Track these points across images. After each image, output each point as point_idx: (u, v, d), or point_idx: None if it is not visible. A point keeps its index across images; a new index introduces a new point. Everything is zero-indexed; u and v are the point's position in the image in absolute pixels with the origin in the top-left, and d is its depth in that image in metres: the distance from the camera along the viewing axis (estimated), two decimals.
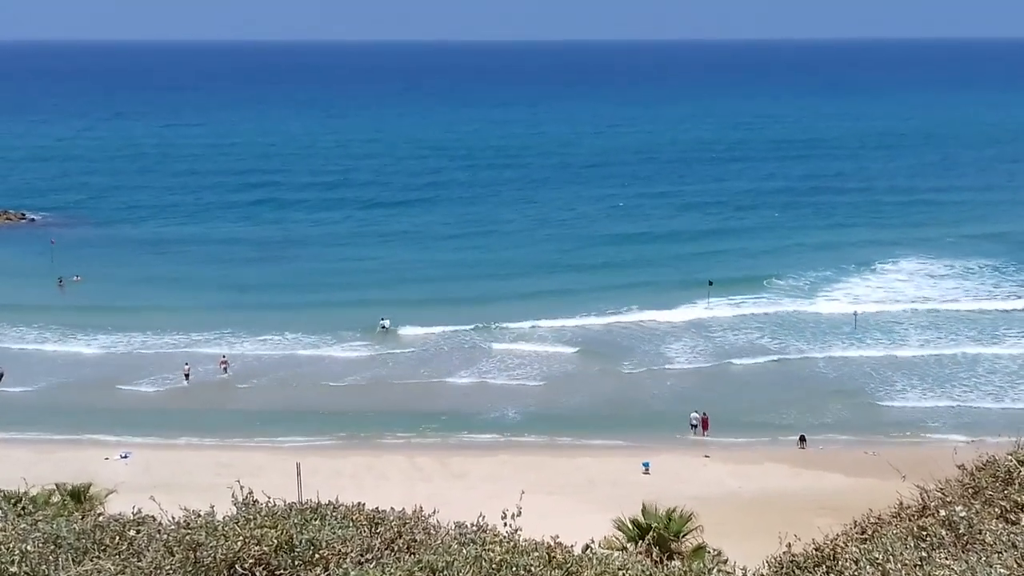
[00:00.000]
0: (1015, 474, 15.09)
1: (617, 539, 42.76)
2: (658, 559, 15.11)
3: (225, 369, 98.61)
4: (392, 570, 13.07)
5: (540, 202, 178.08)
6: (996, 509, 14.39)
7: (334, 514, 14.97)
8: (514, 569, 12.97)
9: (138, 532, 15.03)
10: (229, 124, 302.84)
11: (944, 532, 13.86)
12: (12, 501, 20.32)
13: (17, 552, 13.83)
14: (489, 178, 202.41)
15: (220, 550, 13.75)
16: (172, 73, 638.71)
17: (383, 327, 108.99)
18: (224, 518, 14.51)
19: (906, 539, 13.81)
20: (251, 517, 14.44)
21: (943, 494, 15.40)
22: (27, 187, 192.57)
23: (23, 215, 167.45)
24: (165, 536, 14.41)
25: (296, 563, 13.79)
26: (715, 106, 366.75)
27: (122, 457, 77.94)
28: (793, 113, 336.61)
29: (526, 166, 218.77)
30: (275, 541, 13.87)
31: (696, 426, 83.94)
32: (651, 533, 43.16)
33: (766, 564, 14.85)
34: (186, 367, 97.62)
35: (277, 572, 13.72)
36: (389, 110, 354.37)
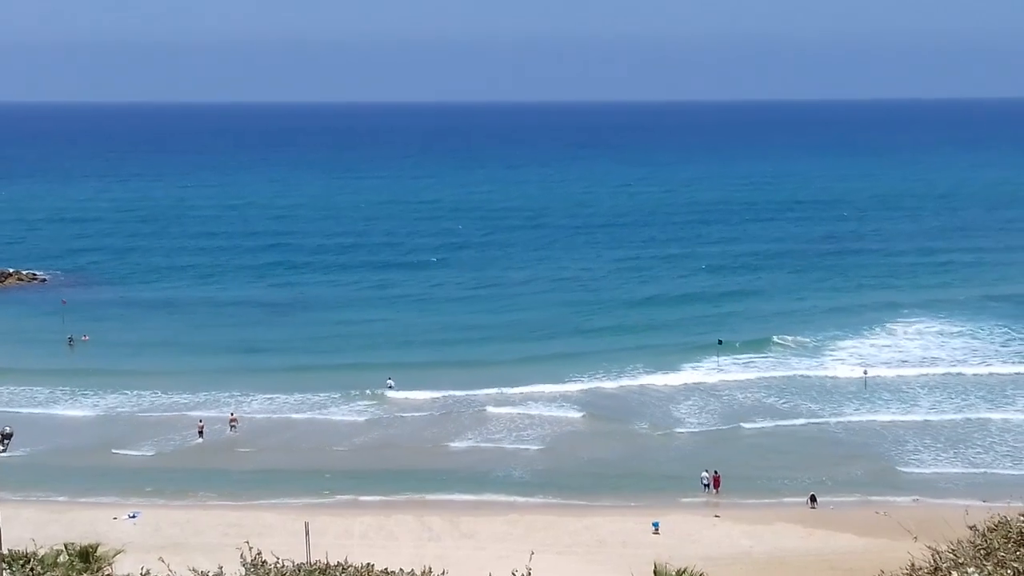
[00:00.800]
0: None
1: None
2: None
3: (234, 427, 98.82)
4: None
5: (552, 263, 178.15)
6: (1009, 571, 14.33)
7: (343, 575, 14.94)
8: None
9: None
10: (244, 185, 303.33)
11: None
12: (21, 561, 20.31)
13: None
14: (503, 239, 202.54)
15: None
16: (187, 134, 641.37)
17: (389, 387, 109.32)
18: None
19: None
20: None
21: (955, 555, 15.32)
22: (41, 247, 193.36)
23: (34, 275, 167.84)
24: None
25: None
26: (727, 166, 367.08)
27: (130, 517, 77.74)
28: (805, 173, 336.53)
29: (540, 227, 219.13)
30: None
31: (707, 485, 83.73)
32: None
33: None
34: (200, 423, 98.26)
35: None
36: (404, 171, 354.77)
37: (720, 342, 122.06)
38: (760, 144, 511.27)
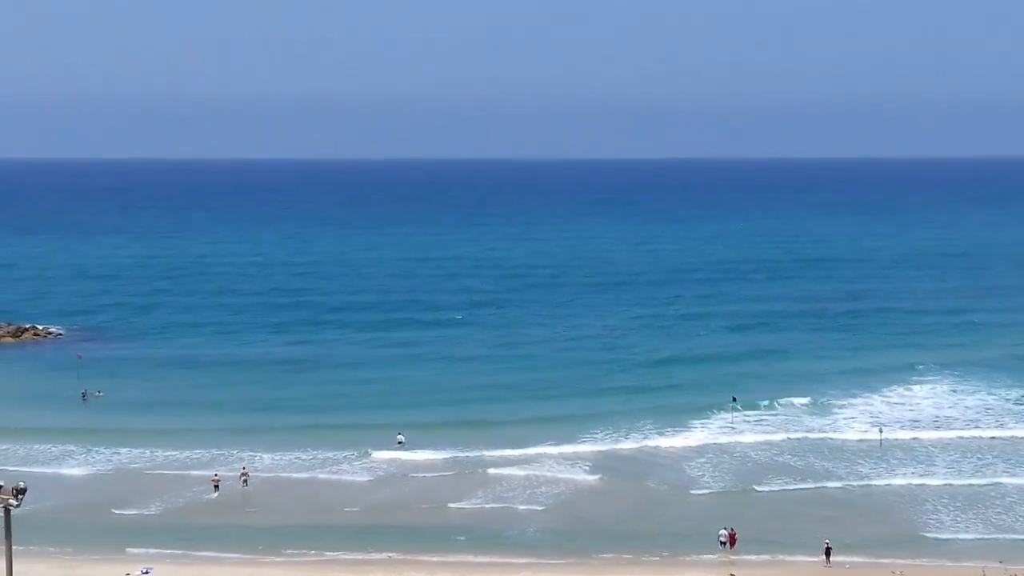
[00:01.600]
0: None
1: None
2: None
3: (245, 482, 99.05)
4: None
5: (572, 320, 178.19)
6: None
7: None
8: None
9: None
10: (263, 242, 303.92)
11: None
12: None
13: None
14: (524, 297, 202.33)
15: None
16: (203, 190, 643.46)
17: (400, 444, 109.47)
18: None
19: None
20: None
21: None
22: (59, 303, 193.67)
23: (49, 331, 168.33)
24: None
25: None
26: (746, 224, 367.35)
27: (143, 573, 77.71)
28: (822, 231, 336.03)
29: (560, 284, 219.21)
30: None
31: (724, 543, 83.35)
32: None
33: None
34: (215, 477, 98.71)
35: None
36: (422, 228, 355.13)
37: (735, 399, 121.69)
38: (778, 202, 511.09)
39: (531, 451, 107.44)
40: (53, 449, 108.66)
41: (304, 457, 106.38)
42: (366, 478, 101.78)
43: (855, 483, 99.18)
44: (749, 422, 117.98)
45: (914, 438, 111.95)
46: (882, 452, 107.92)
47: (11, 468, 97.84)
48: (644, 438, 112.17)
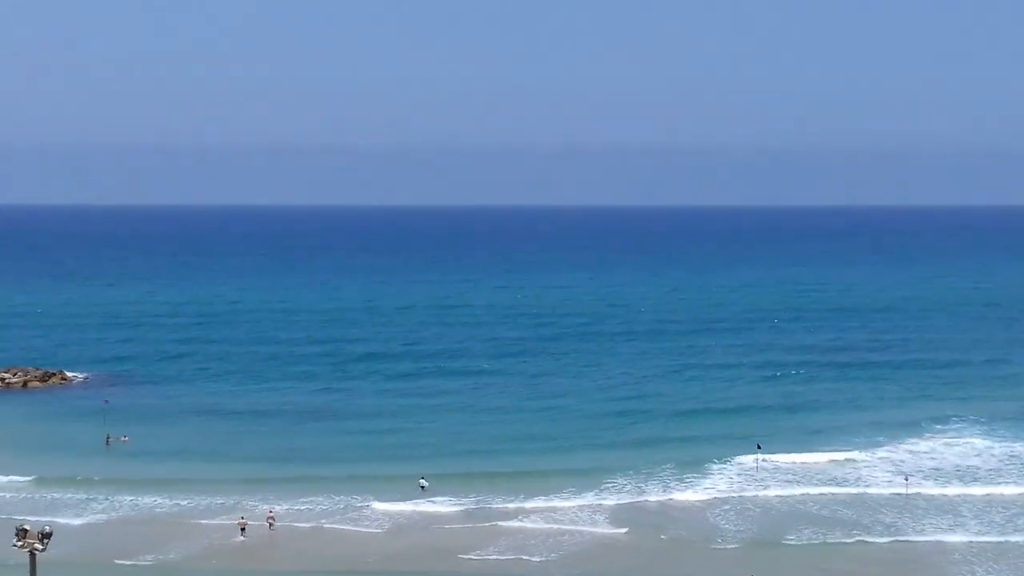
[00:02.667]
0: None
1: None
2: None
3: (271, 525, 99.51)
4: None
5: (599, 369, 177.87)
6: None
7: None
8: None
9: None
10: (291, 289, 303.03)
11: None
12: None
13: None
14: (552, 347, 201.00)
15: None
16: (230, 237, 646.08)
17: (422, 488, 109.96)
18: None
19: None
20: None
21: None
22: (88, 349, 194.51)
23: (76, 376, 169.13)
24: None
25: None
26: (770, 271, 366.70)
27: None
28: (847, 279, 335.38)
29: (588, 332, 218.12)
30: None
31: None
32: None
33: None
34: (242, 520, 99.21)
35: None
36: (450, 275, 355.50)
37: (759, 447, 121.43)
38: (807, 250, 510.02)
39: (552, 503, 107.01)
40: (76, 494, 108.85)
41: (326, 504, 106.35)
42: (387, 526, 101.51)
43: (883, 539, 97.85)
44: (774, 472, 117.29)
45: (943, 493, 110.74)
46: (908, 504, 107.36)
47: (33, 515, 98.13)
48: (667, 489, 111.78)
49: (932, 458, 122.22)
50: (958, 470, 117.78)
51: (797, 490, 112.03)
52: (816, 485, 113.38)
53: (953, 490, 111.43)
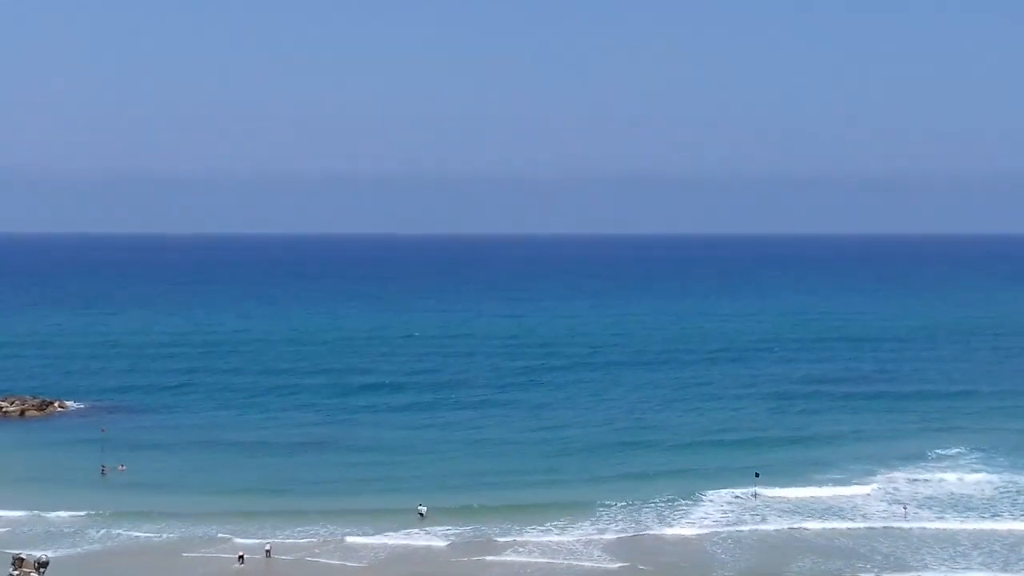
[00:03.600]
0: None
1: None
2: None
3: (268, 555, 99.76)
4: None
5: (603, 399, 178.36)
6: None
7: None
8: None
9: None
10: (294, 318, 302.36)
11: None
12: None
13: None
14: (556, 378, 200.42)
15: None
16: (231, 266, 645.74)
17: (421, 515, 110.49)
18: None
19: None
20: None
21: None
22: (88, 378, 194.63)
23: (74, 405, 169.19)
24: None
25: None
26: (780, 301, 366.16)
27: None
28: (856, 309, 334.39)
29: (593, 364, 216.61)
30: None
31: None
32: None
33: None
34: (241, 552, 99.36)
35: None
36: (454, 304, 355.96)
37: (757, 475, 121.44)
38: (813, 278, 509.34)
39: (548, 536, 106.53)
40: (71, 525, 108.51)
41: (322, 535, 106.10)
42: (382, 557, 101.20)
43: (883, 573, 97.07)
44: (772, 502, 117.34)
45: (941, 528, 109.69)
46: (906, 535, 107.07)
47: (26, 546, 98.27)
48: (664, 521, 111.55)
49: (932, 488, 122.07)
50: (955, 501, 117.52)
51: (795, 522, 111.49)
52: (814, 516, 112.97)
53: (952, 523, 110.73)
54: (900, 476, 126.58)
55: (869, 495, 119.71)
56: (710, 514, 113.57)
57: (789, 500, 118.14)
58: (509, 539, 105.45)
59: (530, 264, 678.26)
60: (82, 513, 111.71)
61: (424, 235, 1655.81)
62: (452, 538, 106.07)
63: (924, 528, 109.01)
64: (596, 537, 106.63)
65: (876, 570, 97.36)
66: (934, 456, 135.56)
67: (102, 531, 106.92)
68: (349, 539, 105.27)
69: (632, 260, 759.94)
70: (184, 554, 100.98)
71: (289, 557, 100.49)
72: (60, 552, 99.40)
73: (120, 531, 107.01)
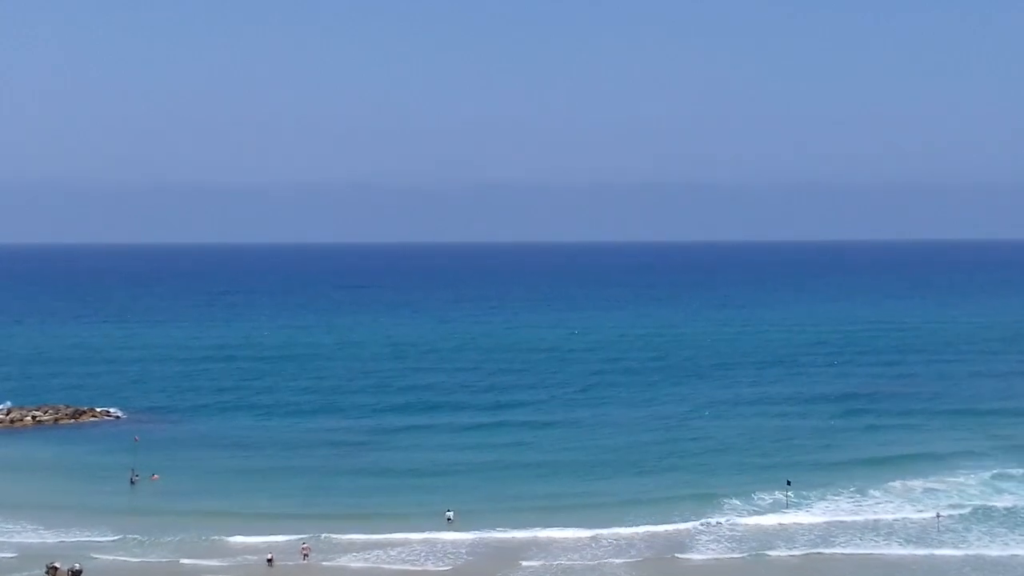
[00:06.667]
0: None
1: None
2: None
3: (306, 556, 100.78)
4: None
5: (634, 406, 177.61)
6: None
7: None
8: None
9: None
10: (342, 328, 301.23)
11: None
12: None
13: None
14: (600, 382, 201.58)
15: None
16: (269, 274, 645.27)
17: (448, 520, 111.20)
18: None
19: None
20: None
21: None
22: (126, 388, 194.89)
23: (108, 412, 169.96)
24: None
25: None
26: (812, 308, 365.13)
27: None
28: (886, 315, 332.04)
29: (621, 371, 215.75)
30: None
31: None
32: None
33: None
34: (270, 555, 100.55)
35: None
36: (487, 311, 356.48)
37: (789, 483, 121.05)
38: (844, 285, 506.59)
39: (577, 545, 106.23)
40: (103, 533, 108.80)
41: (356, 539, 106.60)
42: (409, 560, 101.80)
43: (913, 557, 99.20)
44: (804, 502, 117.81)
45: (972, 518, 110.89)
46: (939, 535, 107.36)
47: (53, 554, 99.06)
48: (694, 521, 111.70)
49: (961, 493, 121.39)
50: (988, 505, 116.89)
51: (827, 518, 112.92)
52: (845, 511, 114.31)
53: (982, 528, 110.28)
54: (932, 481, 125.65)
55: (902, 500, 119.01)
56: (737, 517, 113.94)
57: (819, 506, 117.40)
58: (534, 545, 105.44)
59: (562, 273, 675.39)
60: (111, 522, 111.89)
61: (456, 243, 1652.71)
62: (483, 535, 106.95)
63: (957, 533, 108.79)
64: (623, 537, 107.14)
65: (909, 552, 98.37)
66: (969, 467, 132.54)
67: (131, 539, 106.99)
68: (374, 538, 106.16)
69: (664, 268, 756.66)
70: (215, 558, 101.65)
71: (321, 558, 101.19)
72: (90, 561, 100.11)
73: (149, 538, 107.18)
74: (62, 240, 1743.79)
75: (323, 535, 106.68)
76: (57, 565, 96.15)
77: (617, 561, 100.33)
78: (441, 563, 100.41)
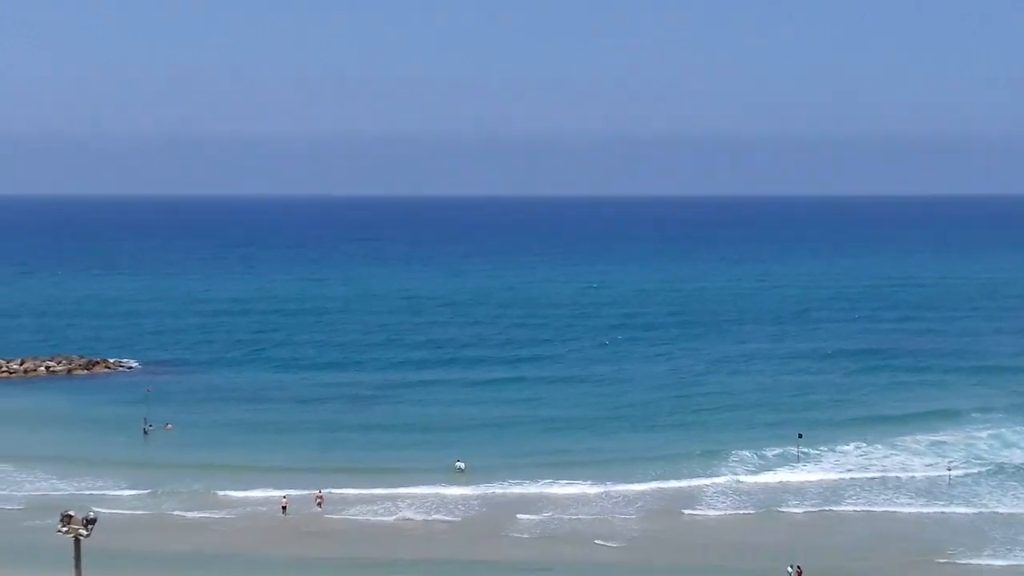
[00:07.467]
0: None
1: None
2: None
3: (320, 504, 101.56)
4: None
5: (648, 361, 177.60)
6: None
7: None
8: None
9: None
10: (362, 281, 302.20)
11: None
12: None
13: None
14: (616, 336, 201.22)
15: None
16: (284, 227, 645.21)
17: (460, 470, 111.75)
18: None
19: None
20: None
21: None
22: (141, 339, 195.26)
23: (121, 363, 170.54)
24: None
25: None
26: (829, 263, 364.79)
27: None
28: (904, 270, 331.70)
29: (650, 326, 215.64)
30: None
31: None
32: None
33: None
34: (284, 500, 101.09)
35: None
36: (504, 266, 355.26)
37: (800, 436, 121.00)
38: (863, 239, 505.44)
39: (591, 489, 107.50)
40: (116, 483, 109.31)
41: (367, 492, 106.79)
42: (419, 510, 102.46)
43: (920, 513, 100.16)
44: (815, 453, 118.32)
45: (982, 475, 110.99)
46: (951, 489, 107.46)
47: (66, 504, 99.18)
48: (705, 476, 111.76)
49: (974, 447, 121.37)
50: (1001, 459, 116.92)
51: (838, 472, 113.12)
52: (858, 468, 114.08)
53: (993, 483, 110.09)
54: (945, 435, 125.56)
55: (911, 453, 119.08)
56: (749, 470, 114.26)
57: (829, 458, 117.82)
58: (543, 499, 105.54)
59: (578, 227, 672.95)
60: (124, 472, 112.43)
61: (469, 196, 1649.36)
62: (487, 497, 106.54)
63: (965, 486, 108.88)
64: (633, 492, 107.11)
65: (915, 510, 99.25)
66: (981, 422, 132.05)
67: (144, 489, 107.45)
68: (385, 491, 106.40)
69: (678, 222, 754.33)
70: (226, 509, 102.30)
71: (332, 509, 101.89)
72: (103, 510, 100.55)
73: (162, 489, 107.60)
74: (73, 192, 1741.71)
75: (334, 488, 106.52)
76: (72, 513, 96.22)
77: (625, 516, 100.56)
78: (450, 515, 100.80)
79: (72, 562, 59.82)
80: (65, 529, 59.83)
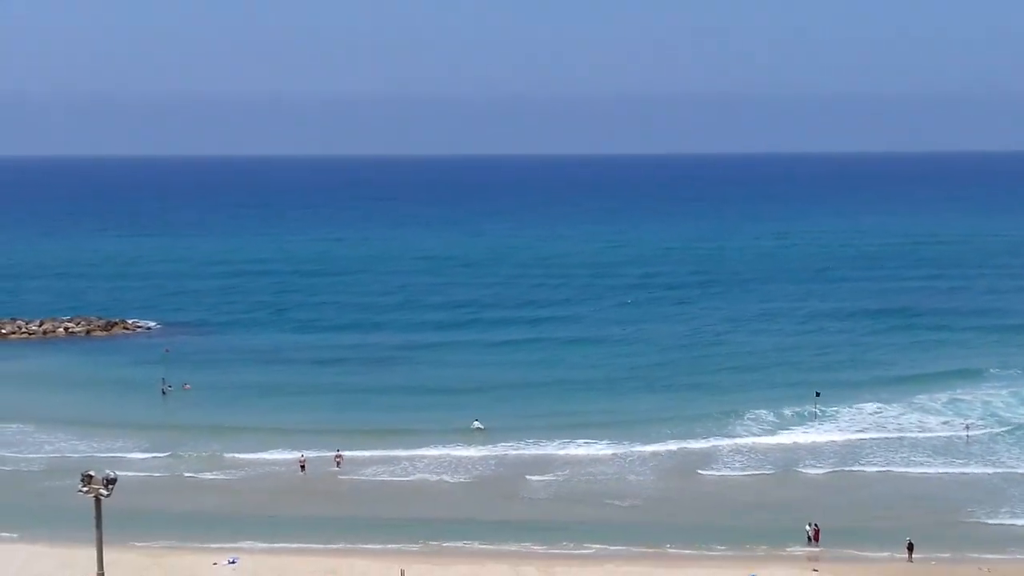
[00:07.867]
0: None
1: None
2: None
3: (339, 464, 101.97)
4: None
5: (674, 319, 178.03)
6: None
7: None
8: None
9: None
10: (378, 242, 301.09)
11: None
12: None
13: None
14: (636, 296, 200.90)
15: None
16: (303, 187, 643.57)
17: (478, 429, 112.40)
18: None
19: None
20: None
21: None
22: (160, 300, 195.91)
23: (139, 324, 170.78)
24: None
25: None
26: (851, 220, 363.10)
27: (230, 563, 78.56)
28: (929, 228, 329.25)
29: (673, 286, 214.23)
30: None
31: (810, 538, 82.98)
32: None
33: None
34: (302, 458, 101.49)
35: None
36: (518, 226, 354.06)
37: (818, 394, 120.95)
38: (882, 198, 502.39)
39: (607, 450, 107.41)
40: (135, 444, 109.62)
41: (383, 454, 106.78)
42: (436, 469, 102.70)
43: (940, 472, 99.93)
44: (832, 412, 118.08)
45: (1000, 433, 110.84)
46: (969, 447, 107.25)
47: (85, 465, 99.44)
48: (721, 436, 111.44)
49: (991, 406, 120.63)
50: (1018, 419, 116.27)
51: (853, 424, 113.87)
52: (874, 427, 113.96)
53: (1010, 440, 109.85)
54: (962, 393, 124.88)
55: (929, 412, 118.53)
56: (765, 429, 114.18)
57: (849, 416, 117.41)
58: (557, 460, 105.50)
59: (596, 187, 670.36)
60: (142, 433, 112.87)
61: (486, 155, 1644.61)
62: (503, 457, 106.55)
63: (983, 443, 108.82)
64: (648, 453, 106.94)
65: (934, 470, 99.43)
66: (997, 380, 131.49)
67: (163, 450, 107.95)
68: (402, 452, 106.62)
69: (691, 179, 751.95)
70: (244, 469, 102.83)
71: (349, 469, 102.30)
72: (122, 471, 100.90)
73: (180, 449, 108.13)
74: (91, 152, 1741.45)
75: (351, 451, 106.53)
76: (92, 473, 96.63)
77: (640, 476, 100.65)
78: (466, 475, 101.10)
79: (93, 522, 59.89)
80: (86, 489, 59.94)
